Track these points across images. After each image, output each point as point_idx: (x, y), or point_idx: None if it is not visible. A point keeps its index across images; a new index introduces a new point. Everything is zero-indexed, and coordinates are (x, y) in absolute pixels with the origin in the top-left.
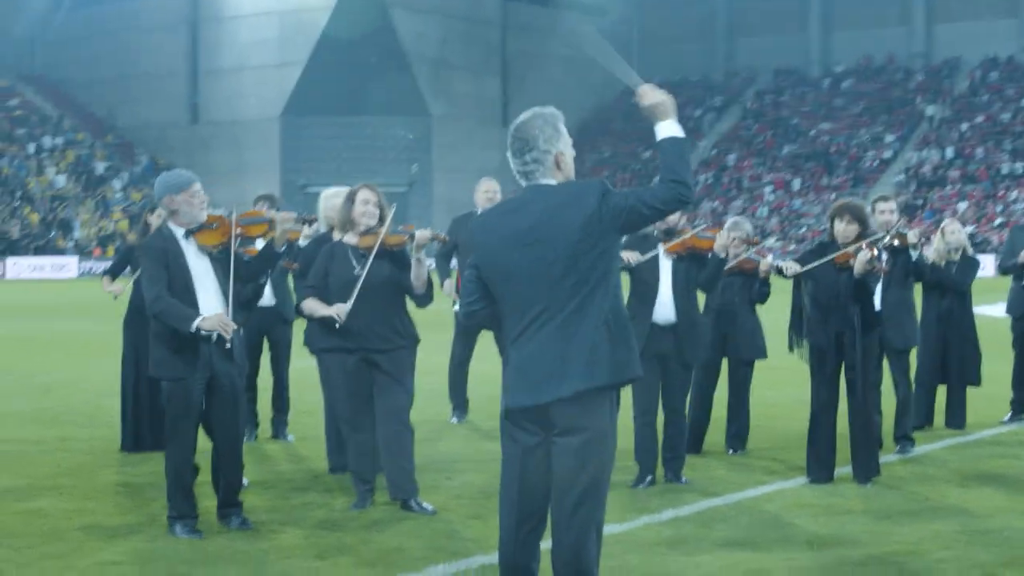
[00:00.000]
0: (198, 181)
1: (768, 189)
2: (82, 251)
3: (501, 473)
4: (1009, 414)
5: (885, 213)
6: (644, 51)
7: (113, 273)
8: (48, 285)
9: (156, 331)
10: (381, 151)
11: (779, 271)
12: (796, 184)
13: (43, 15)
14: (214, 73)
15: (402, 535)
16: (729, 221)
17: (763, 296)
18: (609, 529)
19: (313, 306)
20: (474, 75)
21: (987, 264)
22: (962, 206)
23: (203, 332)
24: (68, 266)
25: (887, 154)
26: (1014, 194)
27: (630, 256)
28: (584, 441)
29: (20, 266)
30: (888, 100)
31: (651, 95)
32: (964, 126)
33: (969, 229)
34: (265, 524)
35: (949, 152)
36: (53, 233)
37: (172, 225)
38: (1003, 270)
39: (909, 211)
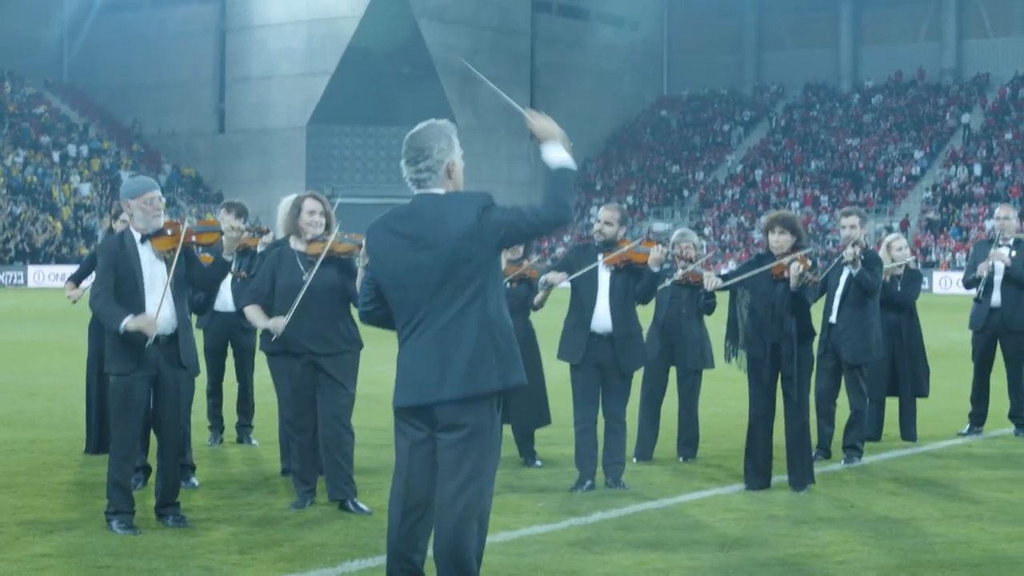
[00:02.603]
0: (155, 189)
1: (796, 205)
2: None
3: (394, 465)
4: (967, 426)
5: (846, 228)
6: (674, 64)
7: (77, 278)
8: None
9: (107, 329)
10: None
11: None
12: (824, 200)
13: (71, 23)
14: (241, 82)
15: (329, 533)
16: (676, 233)
17: (709, 308)
18: (532, 530)
19: (253, 315)
20: (502, 86)
21: None
22: (989, 224)
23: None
24: (90, 274)
25: (915, 171)
26: None
27: (553, 277)
28: (465, 436)
29: (42, 274)
30: (917, 116)
31: (538, 120)
32: (993, 143)
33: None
34: (201, 522)
35: (977, 169)
36: (77, 241)
37: (132, 229)
38: (966, 284)
39: (933, 228)
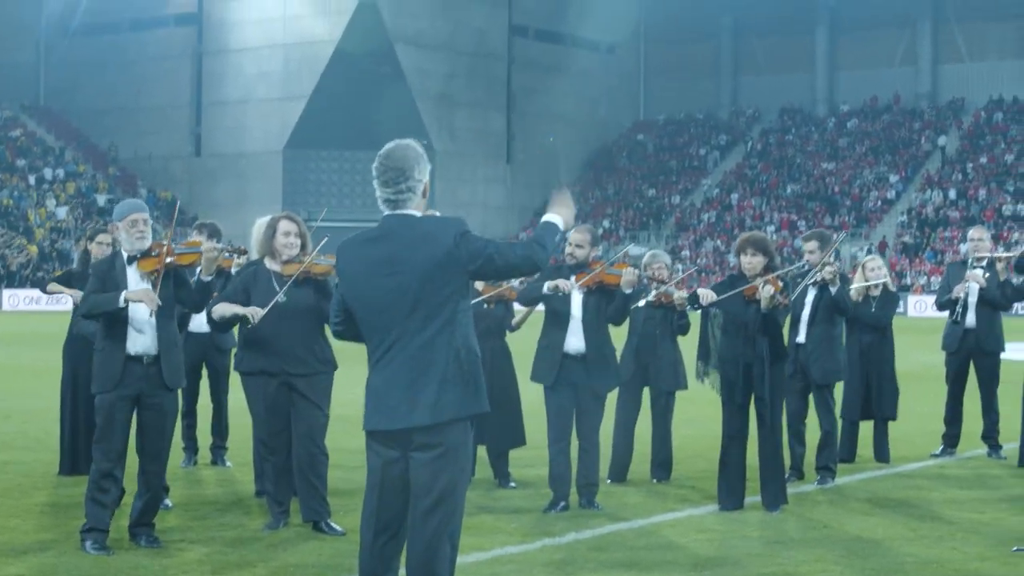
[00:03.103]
0: (139, 211)
1: (771, 229)
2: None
3: (365, 485)
4: (940, 447)
5: (807, 253)
6: (650, 88)
7: (60, 280)
8: (44, 316)
9: (96, 348)
10: None
11: (695, 299)
12: (800, 224)
13: (47, 46)
14: (218, 105)
15: (303, 554)
16: (648, 254)
17: (683, 328)
18: (506, 551)
19: (223, 307)
20: (479, 110)
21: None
22: (964, 247)
23: (130, 303)
24: (66, 298)
25: (890, 194)
26: (1016, 235)
27: (564, 284)
28: (438, 455)
29: (17, 297)
30: (892, 140)
31: (562, 199)
32: (968, 167)
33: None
34: (175, 543)
35: (952, 193)
36: (53, 265)
37: (123, 251)
38: (939, 306)
39: (908, 251)
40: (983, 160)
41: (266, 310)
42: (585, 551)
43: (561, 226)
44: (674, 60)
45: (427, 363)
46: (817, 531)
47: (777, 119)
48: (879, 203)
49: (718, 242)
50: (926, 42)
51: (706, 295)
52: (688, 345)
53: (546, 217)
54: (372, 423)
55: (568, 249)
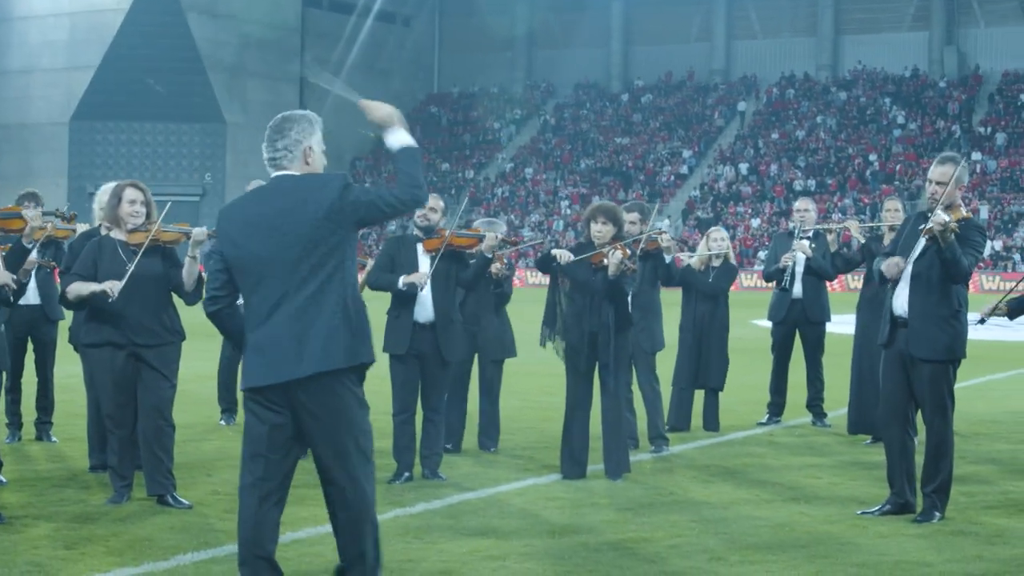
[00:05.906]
0: None
1: (565, 203)
2: None
3: (244, 451)
4: (766, 416)
5: (626, 224)
6: (445, 61)
7: None
8: None
9: None
10: (174, 158)
11: (549, 259)
12: (595, 199)
13: None
14: (1, 75)
15: (154, 527)
16: (480, 222)
17: (503, 298)
18: None
19: (80, 287)
20: (271, 82)
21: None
22: (755, 222)
23: None
24: None
25: (683, 169)
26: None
27: (418, 279)
28: (334, 417)
29: None
30: (686, 116)
31: (376, 108)
32: (760, 142)
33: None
34: (19, 519)
35: (743, 168)
36: None
37: None
38: (767, 277)
39: (703, 226)
40: (775, 136)
41: (123, 282)
42: (439, 520)
43: (406, 140)
44: (469, 33)
45: (315, 315)
46: (664, 498)
47: (572, 94)
48: (672, 178)
49: (512, 216)
50: (720, 18)
51: (563, 255)
52: (512, 314)
53: (396, 143)
54: (257, 379)
55: (420, 212)
